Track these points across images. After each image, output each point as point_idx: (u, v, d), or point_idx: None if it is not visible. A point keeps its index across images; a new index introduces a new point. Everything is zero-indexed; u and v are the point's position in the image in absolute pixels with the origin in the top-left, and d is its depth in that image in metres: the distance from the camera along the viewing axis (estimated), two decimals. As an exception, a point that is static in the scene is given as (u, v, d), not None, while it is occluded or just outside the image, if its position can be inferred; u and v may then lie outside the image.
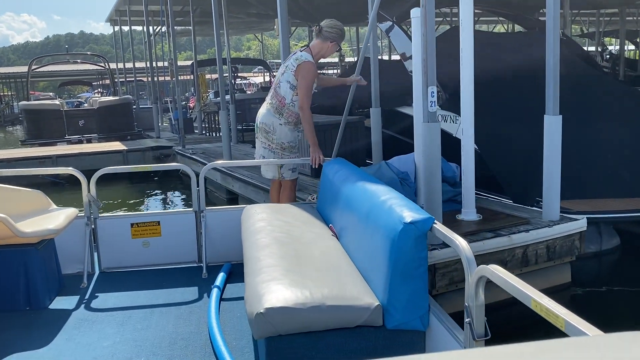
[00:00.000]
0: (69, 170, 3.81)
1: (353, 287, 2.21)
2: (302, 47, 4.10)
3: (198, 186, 3.76)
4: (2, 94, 46.33)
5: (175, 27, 15.22)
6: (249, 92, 26.11)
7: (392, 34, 6.83)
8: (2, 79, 47.08)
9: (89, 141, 14.89)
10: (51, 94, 41.57)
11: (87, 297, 3.34)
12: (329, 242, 2.84)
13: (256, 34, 27.25)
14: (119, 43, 22.63)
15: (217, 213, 3.84)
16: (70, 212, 3.53)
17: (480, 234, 3.83)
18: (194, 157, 10.30)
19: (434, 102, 3.45)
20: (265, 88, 17.64)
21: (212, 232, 3.79)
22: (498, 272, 1.65)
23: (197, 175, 3.82)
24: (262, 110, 4.10)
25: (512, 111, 5.70)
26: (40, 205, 3.61)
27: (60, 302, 3.26)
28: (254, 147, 4.36)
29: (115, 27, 21.79)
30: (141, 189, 10.97)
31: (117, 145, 12.75)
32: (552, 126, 3.90)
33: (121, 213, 3.82)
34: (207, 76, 24.71)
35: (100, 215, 3.77)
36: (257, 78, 40.08)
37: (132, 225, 3.75)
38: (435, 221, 2.15)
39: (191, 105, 21.30)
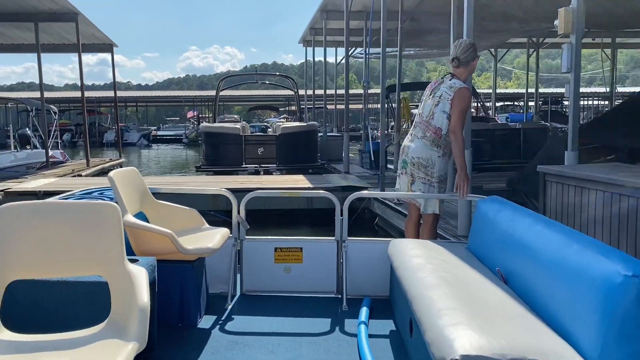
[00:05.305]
0: (222, 191, 3.84)
1: (549, 340, 1.99)
2: (445, 75, 4.10)
3: (342, 215, 3.67)
4: (201, 115, 49.71)
5: (370, 49, 13.14)
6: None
7: None
8: (205, 101, 50.70)
9: (267, 172, 12.96)
10: (236, 116, 42.11)
11: (233, 318, 3.36)
12: (499, 286, 2.59)
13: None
14: (308, 69, 21.35)
15: (359, 244, 3.72)
16: (224, 232, 3.47)
17: None
18: (399, 207, 7.44)
19: None
20: (480, 118, 14.37)
21: (352, 263, 3.66)
22: None
23: (342, 203, 3.66)
24: (413, 144, 4.08)
25: None
26: (195, 223, 3.65)
27: (208, 321, 3.28)
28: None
29: (308, 48, 20.41)
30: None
31: (301, 181, 10.42)
32: None
33: (266, 237, 3.76)
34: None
35: (246, 237, 3.77)
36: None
37: (275, 249, 3.73)
38: None
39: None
